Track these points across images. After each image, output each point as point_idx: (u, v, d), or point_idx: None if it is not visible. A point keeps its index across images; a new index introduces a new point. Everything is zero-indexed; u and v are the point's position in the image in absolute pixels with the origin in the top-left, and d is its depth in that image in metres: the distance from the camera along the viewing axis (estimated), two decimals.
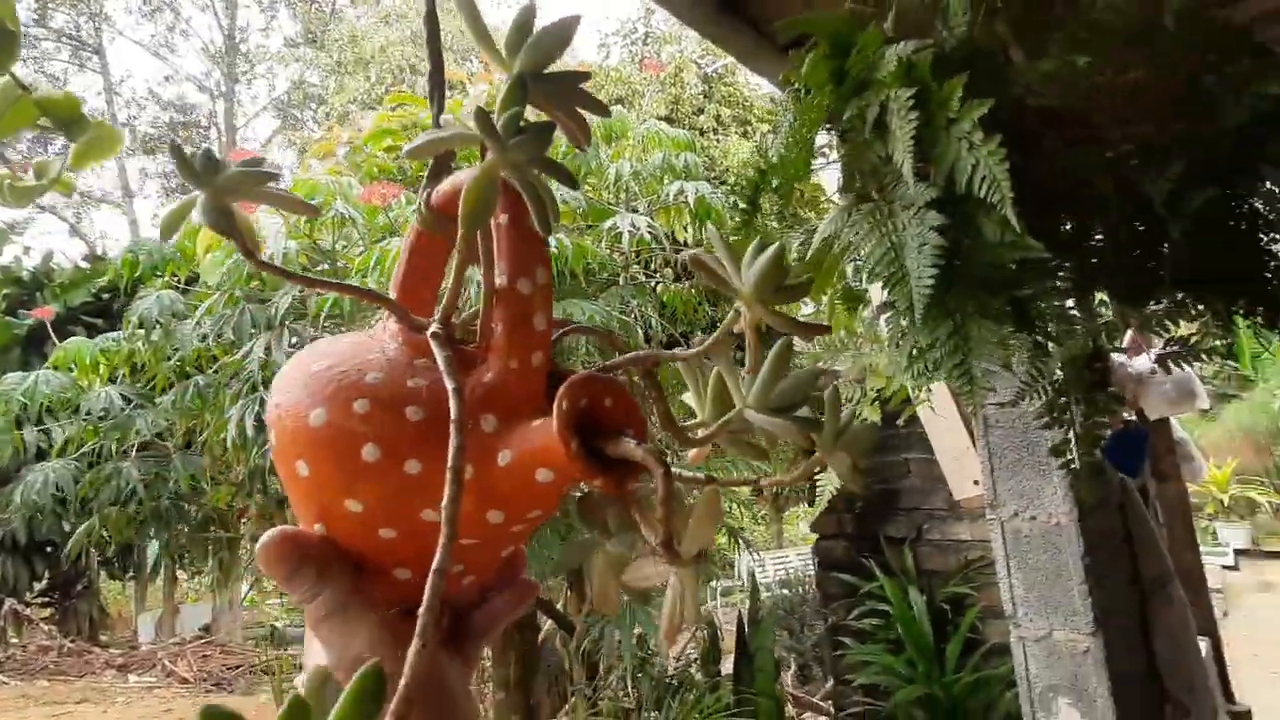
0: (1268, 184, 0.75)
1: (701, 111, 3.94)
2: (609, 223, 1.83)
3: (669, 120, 3.84)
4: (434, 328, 0.33)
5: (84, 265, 6.41)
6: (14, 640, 7.00)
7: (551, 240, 1.77)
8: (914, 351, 0.80)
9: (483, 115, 0.30)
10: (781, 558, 7.67)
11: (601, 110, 0.36)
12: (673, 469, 0.35)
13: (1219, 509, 7.84)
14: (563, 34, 0.33)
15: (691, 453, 0.35)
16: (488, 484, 0.31)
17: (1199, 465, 3.75)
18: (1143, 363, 2.44)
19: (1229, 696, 3.58)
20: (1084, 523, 1.49)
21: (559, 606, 2.50)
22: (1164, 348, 0.84)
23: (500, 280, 0.33)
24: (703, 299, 2.33)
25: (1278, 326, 0.74)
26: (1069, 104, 0.86)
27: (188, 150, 0.35)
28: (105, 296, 5.77)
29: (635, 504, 0.31)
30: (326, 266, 1.82)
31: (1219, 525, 7.65)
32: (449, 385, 0.29)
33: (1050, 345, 0.78)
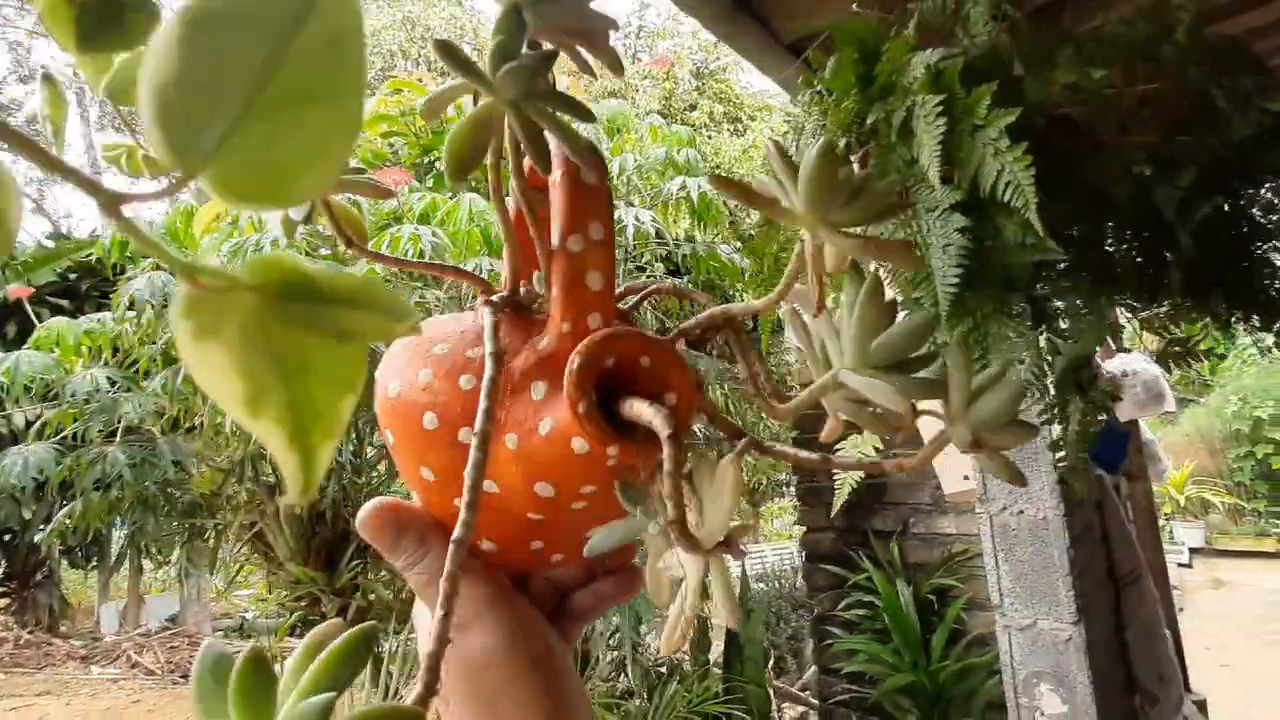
0: (1267, 194, 0.80)
1: (694, 108, 3.96)
2: (616, 215, 1.85)
3: (662, 115, 3.86)
4: (496, 295, 0.32)
5: (48, 244, 6.19)
6: None
7: None
8: (930, 347, 0.84)
9: (445, 47, 0.26)
10: (758, 553, 7.75)
11: (612, 25, 0.32)
12: (760, 442, 0.31)
13: (1176, 509, 8.16)
14: None
15: (826, 427, 0.33)
16: (529, 454, 0.29)
17: (1165, 466, 3.91)
18: (1114, 365, 2.53)
19: (1186, 686, 3.74)
20: (1071, 516, 1.55)
21: None
22: (1166, 348, 0.88)
23: (554, 238, 0.31)
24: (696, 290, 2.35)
25: (1274, 329, 0.78)
26: (1084, 113, 0.90)
27: None
28: (72, 277, 5.58)
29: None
30: (327, 252, 1.80)
31: (1175, 524, 7.96)
32: (486, 349, 0.27)
33: (1058, 344, 0.82)
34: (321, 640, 0.21)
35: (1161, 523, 8.01)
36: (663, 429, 0.25)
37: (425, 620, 0.36)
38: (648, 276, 2.61)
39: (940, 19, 0.99)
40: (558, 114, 0.29)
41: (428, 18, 5.90)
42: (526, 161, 0.32)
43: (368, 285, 0.11)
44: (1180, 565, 7.35)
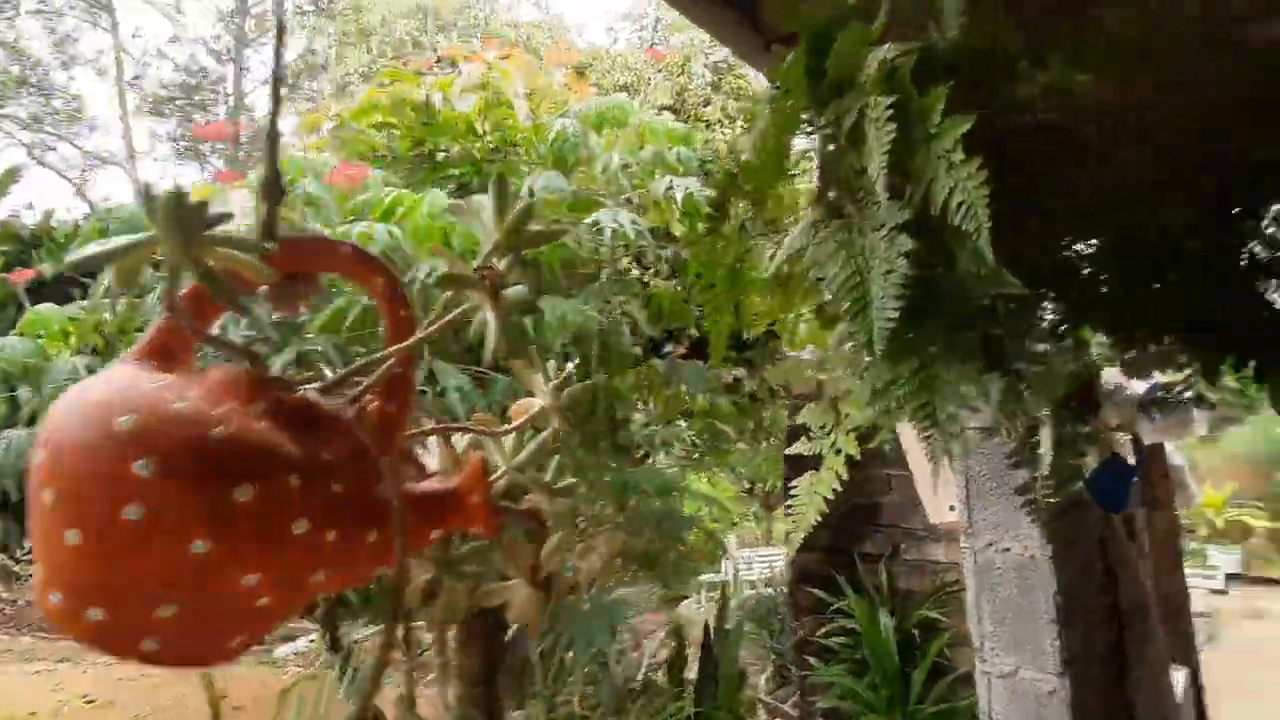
0: (1268, 228, 0.68)
1: (709, 103, 3.84)
2: (592, 217, 1.77)
3: (674, 111, 3.74)
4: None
5: (83, 225, 6.34)
6: (3, 595, 7.03)
7: None
8: (877, 387, 0.74)
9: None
10: (769, 555, 7.63)
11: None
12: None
13: (1213, 532, 7.79)
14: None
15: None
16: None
17: (1193, 492, 3.70)
18: (1142, 385, 2.37)
19: None
20: (1063, 556, 1.43)
21: None
22: (1147, 394, 0.77)
23: (399, 368, 0.36)
24: (690, 297, 2.26)
25: (1265, 381, 0.67)
26: (1069, 123, 0.79)
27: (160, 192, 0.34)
28: None
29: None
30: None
31: (1211, 549, 7.59)
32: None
33: (1020, 391, 0.71)
34: None
35: (1196, 546, 7.67)
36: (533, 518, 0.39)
37: None
38: (648, 278, 2.52)
39: (913, 9, 0.88)
40: None
41: (441, 6, 5.84)
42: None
43: None
44: (1214, 591, 7.01)
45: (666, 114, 3.44)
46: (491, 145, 2.44)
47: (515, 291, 0.35)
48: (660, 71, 3.69)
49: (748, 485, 6.67)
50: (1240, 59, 0.73)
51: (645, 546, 2.40)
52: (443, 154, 2.48)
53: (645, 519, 2.30)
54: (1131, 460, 2.96)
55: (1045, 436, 1.00)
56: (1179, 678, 2.78)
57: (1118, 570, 1.80)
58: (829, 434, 1.00)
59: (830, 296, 0.70)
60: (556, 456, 0.45)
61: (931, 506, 1.60)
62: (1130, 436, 2.35)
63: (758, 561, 7.07)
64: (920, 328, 0.69)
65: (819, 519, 2.21)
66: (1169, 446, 3.25)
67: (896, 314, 0.64)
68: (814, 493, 1.01)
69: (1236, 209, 0.69)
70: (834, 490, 1.11)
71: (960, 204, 0.63)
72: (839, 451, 0.98)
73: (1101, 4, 0.77)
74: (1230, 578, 7.36)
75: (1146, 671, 1.82)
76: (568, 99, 2.41)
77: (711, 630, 2.08)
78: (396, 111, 2.31)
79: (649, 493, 2.02)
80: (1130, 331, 0.74)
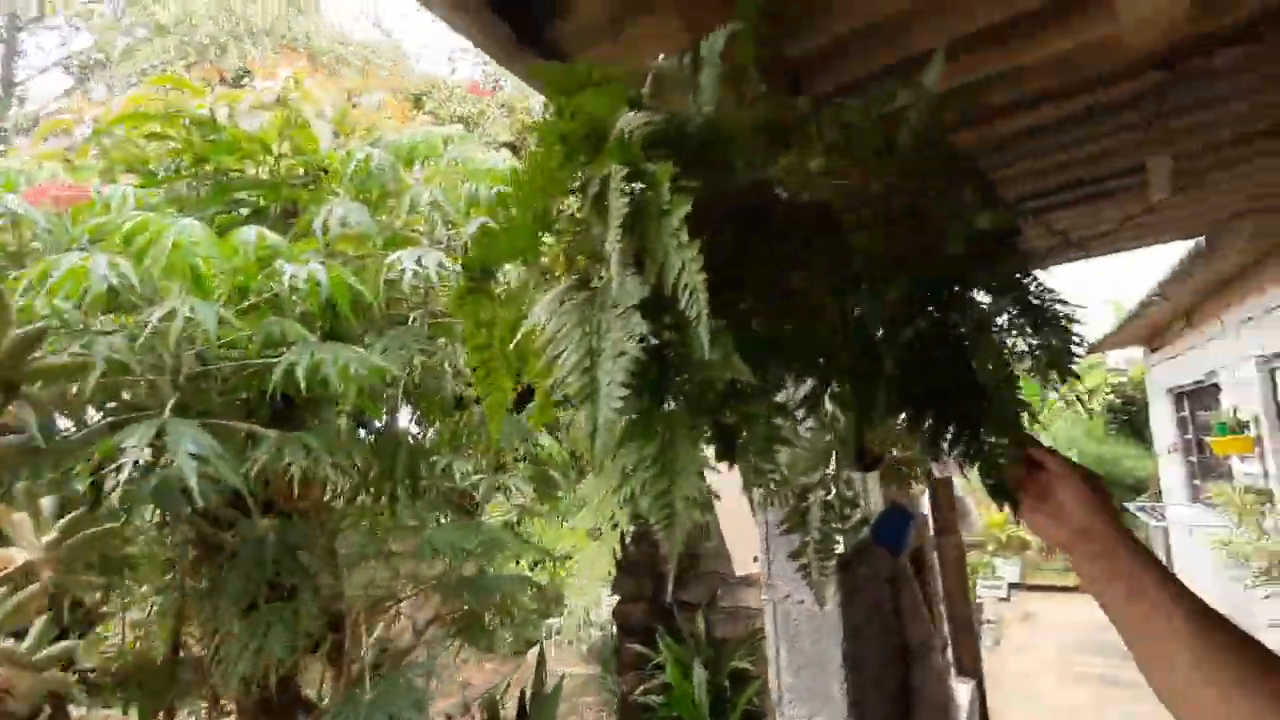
0: (972, 314, 0.73)
1: None
2: (392, 256, 1.63)
3: (514, 149, 3.67)
4: None
5: None
6: None
7: (300, 271, 1.53)
8: (625, 469, 0.69)
9: None
10: None
11: None
12: None
13: (999, 546, 8.94)
14: None
15: None
16: None
17: (974, 517, 4.18)
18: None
19: None
20: (849, 605, 1.48)
21: (318, 684, 2.18)
22: (886, 469, 0.80)
23: None
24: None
25: (978, 460, 0.71)
26: (812, 206, 0.81)
27: None
28: None
29: None
30: (14, 274, 1.43)
31: (998, 561, 8.69)
32: None
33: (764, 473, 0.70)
34: None
35: (987, 559, 8.73)
36: None
37: None
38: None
39: (677, 80, 0.88)
40: None
41: (250, 12, 5.29)
42: None
43: None
44: (1000, 599, 8.00)
45: (505, 150, 3.36)
46: (298, 170, 2.21)
47: (6, 442, 0.29)
48: (502, 107, 3.61)
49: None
50: (949, 161, 0.79)
51: (461, 610, 2.22)
52: (236, 175, 2.20)
53: (465, 582, 2.14)
54: (925, 496, 3.25)
55: (816, 502, 1.01)
56: (965, 690, 3.05)
57: (905, 610, 1.93)
58: (606, 505, 0.95)
59: (563, 376, 0.64)
60: (43, 619, 0.33)
61: (738, 557, 1.62)
62: (923, 472, 2.59)
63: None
64: (664, 410, 0.66)
65: (646, 570, 2.12)
66: (956, 480, 3.64)
67: (621, 405, 0.59)
68: (594, 569, 0.94)
69: (946, 295, 0.73)
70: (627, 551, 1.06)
71: (685, 286, 0.60)
72: (615, 526, 0.92)
73: (842, 104, 0.81)
74: (1012, 586, 8.46)
75: (926, 700, 1.96)
76: (382, 126, 2.25)
77: (527, 698, 1.95)
78: (171, 123, 2.02)
79: (457, 554, 1.86)
80: (871, 405, 0.76)
